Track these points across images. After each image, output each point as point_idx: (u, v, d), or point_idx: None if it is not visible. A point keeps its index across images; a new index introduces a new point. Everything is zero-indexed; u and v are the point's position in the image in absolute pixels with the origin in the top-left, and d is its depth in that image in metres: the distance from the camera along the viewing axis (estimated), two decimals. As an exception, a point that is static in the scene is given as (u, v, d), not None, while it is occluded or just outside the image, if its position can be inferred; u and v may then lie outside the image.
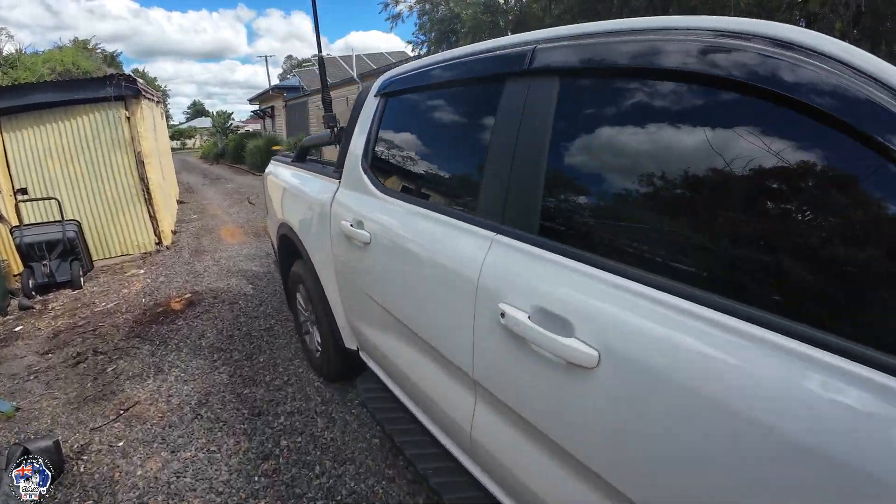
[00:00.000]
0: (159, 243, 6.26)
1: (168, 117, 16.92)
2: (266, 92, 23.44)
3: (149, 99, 7.07)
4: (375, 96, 1.95)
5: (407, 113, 1.81)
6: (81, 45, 21.26)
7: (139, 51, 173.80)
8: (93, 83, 5.57)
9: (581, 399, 0.98)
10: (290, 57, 64.75)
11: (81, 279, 4.84)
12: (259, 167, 17.36)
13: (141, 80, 6.24)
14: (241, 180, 15.05)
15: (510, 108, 1.25)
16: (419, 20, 7.28)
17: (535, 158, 1.15)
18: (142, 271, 5.31)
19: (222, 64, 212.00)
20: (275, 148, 16.99)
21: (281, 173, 3.08)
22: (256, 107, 26.33)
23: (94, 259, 5.51)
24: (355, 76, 12.51)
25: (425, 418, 1.71)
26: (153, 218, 6.17)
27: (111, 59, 27.65)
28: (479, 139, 1.38)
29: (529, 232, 1.15)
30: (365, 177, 1.87)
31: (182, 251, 6.16)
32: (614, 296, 0.94)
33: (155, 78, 41.35)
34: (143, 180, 5.97)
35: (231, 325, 3.72)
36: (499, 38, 1.39)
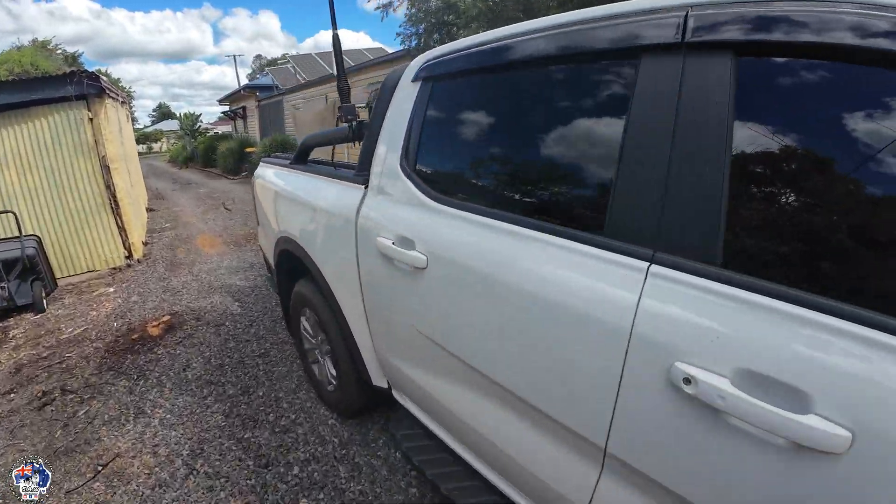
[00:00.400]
0: (129, 257, 5.78)
1: (133, 120, 16.27)
2: (237, 92, 22.74)
3: (113, 98, 6.58)
4: (414, 81, 1.61)
5: (470, 100, 1.47)
6: (41, 46, 20.40)
7: (102, 52, 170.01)
8: (51, 82, 5.07)
9: (812, 493, 0.70)
10: (259, 56, 63.85)
11: (44, 301, 4.36)
12: (232, 170, 16.86)
13: (104, 78, 5.76)
14: (214, 185, 14.47)
15: (654, 92, 0.94)
16: (408, 10, 6.93)
17: (711, 160, 0.84)
18: (111, 290, 4.85)
19: (188, 65, 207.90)
20: (248, 150, 16.50)
21: (277, 178, 2.72)
22: (227, 107, 25.52)
23: (57, 277, 5.01)
24: (335, 73, 12.06)
25: (506, 485, 1.39)
26: (122, 229, 5.69)
27: (72, 59, 26.64)
28: (599, 133, 1.07)
29: (709, 262, 0.84)
30: (408, 182, 1.54)
31: (156, 265, 5.69)
32: (873, 356, 0.65)
33: (119, 79, 39.96)
34: (110, 188, 5.50)
35: (220, 352, 3.32)
36: (616, 3, 1.07)
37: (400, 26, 7.28)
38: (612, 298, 0.95)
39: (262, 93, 20.07)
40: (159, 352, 3.36)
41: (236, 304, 4.28)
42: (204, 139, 21.91)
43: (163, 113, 62.40)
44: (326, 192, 2.01)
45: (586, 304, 0.99)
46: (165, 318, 3.94)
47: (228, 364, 3.15)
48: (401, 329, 1.64)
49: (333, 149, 2.38)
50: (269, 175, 2.88)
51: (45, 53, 18.22)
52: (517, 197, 1.30)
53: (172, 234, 7.39)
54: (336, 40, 2.00)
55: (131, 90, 44.63)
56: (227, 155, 16.99)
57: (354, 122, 1.98)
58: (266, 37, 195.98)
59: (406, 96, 1.64)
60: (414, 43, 7.05)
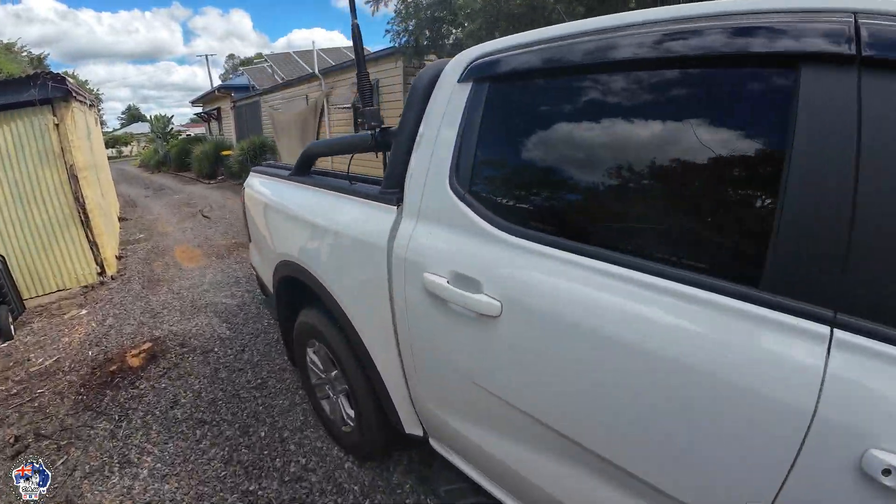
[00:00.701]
0: (102, 273, 5.42)
1: (102, 123, 15.73)
2: (211, 92, 22.12)
3: (81, 102, 6.20)
4: (463, 81, 1.38)
5: (548, 106, 1.22)
6: (4, 49, 19.61)
7: (69, 54, 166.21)
8: (13, 85, 4.70)
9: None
10: (231, 56, 62.80)
11: (12, 327, 4.00)
12: (208, 174, 16.43)
13: (71, 80, 5.39)
14: (190, 190, 14.01)
15: (824, 110, 0.75)
16: (397, 6, 6.65)
17: None
18: (84, 311, 4.50)
19: (158, 66, 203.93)
20: (225, 153, 16.07)
21: (275, 191, 2.46)
22: (200, 109, 24.86)
23: (25, 298, 4.65)
24: (317, 71, 11.73)
25: None
26: (93, 244, 5.33)
27: (38, 62, 25.68)
28: (744, 155, 0.87)
29: None
30: (462, 206, 1.30)
31: (131, 282, 5.34)
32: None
33: (86, 81, 38.70)
34: (79, 199, 5.13)
35: (211, 385, 3.04)
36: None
37: (389, 23, 7.01)
38: (783, 371, 0.76)
39: (237, 93, 19.55)
40: (142, 386, 3.06)
41: (224, 325, 3.99)
42: (177, 142, 21.47)
43: (132, 115, 60.85)
44: (345, 213, 1.76)
45: (740, 376, 0.79)
46: (146, 346, 3.63)
47: (222, 398, 2.88)
48: (454, 381, 1.40)
49: (351, 159, 2.13)
50: (264, 187, 2.61)
51: (10, 56, 17.51)
52: (632, 233, 1.06)
53: (148, 246, 7.01)
54: (356, 31, 1.74)
55: (99, 92, 43.37)
56: (201, 158, 16.61)
57: (378, 129, 1.73)
58: (238, 36, 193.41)
59: (451, 100, 1.40)
60: (404, 40, 6.80)
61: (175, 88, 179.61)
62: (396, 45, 7.05)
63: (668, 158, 0.97)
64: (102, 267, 5.43)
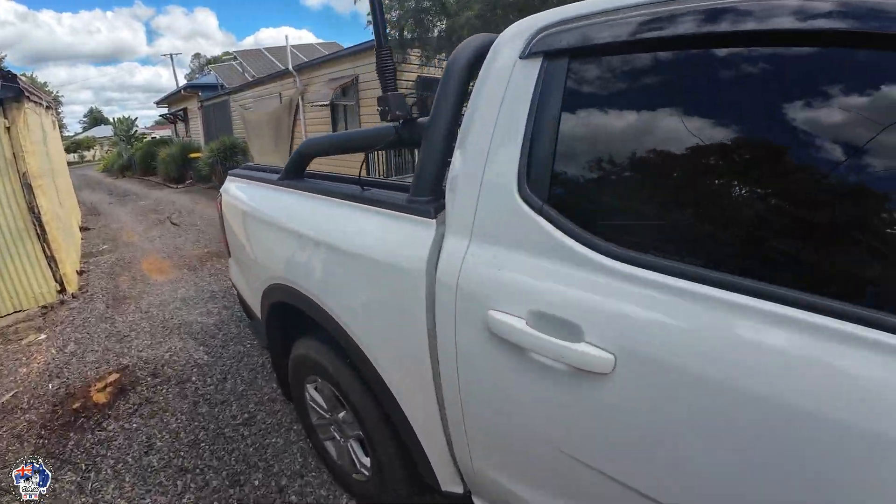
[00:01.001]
0: (63, 291, 4.98)
1: (62, 127, 15.00)
2: (177, 92, 21.36)
3: (36, 103, 5.74)
4: (526, 58, 1.09)
5: (673, 88, 0.92)
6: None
7: (29, 56, 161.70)
8: (-48, 83, 4.26)
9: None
10: (197, 55, 61.54)
11: (-47, 358, 3.59)
12: (176, 178, 15.87)
13: (23, 78, 4.95)
14: (157, 195, 13.43)
15: None
16: (381, -5, 6.35)
17: None
18: (43, 336, 4.08)
19: (120, 67, 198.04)
20: (193, 156, 15.51)
21: (260, 199, 2.13)
22: (165, 110, 24.05)
23: (-30, 324, 4.22)
24: (291, 68, 11.29)
25: None
26: (51, 259, 4.89)
27: (-4, 65, 24.58)
28: None
29: None
30: (540, 221, 1.01)
31: (94, 300, 4.92)
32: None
33: (46, 83, 37.26)
34: (34, 210, 4.69)
35: (190, 423, 2.70)
36: None
37: (368, 14, 6.67)
38: None
39: (204, 92, 18.91)
40: (110, 427, 2.70)
41: (201, 349, 3.63)
42: (141, 145, 20.87)
43: (95, 118, 59.06)
44: (359, 226, 1.46)
45: None
46: (113, 377, 3.25)
47: (204, 439, 2.54)
48: (526, 446, 1.12)
49: (365, 158, 1.82)
50: (246, 193, 2.29)
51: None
52: (813, 262, 0.78)
53: (112, 259, 6.55)
54: (376, 3, 1.45)
55: (59, 95, 41.87)
56: (168, 162, 16.12)
57: (403, 121, 1.43)
58: (203, 35, 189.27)
59: (511, 83, 1.10)
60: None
61: (139, 90, 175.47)
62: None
63: (861, 159, 0.70)
64: (62, 284, 4.99)
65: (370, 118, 9.23)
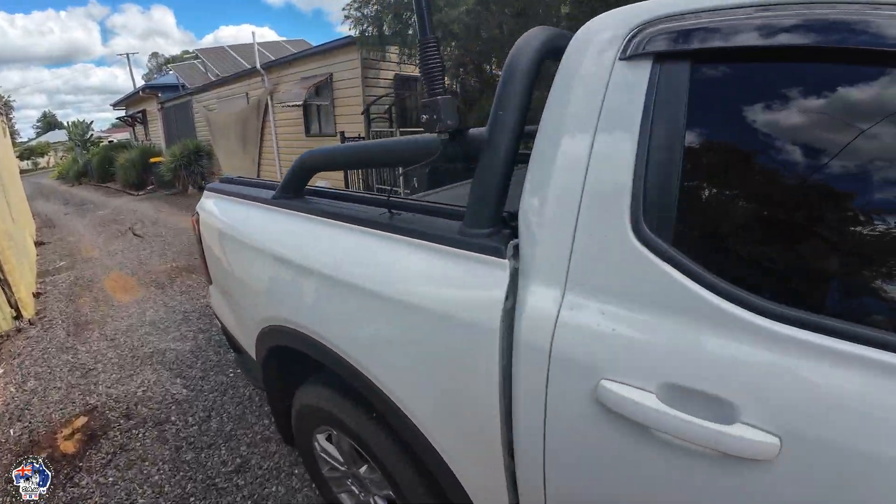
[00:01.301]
0: (19, 317, 4.58)
1: (14, 133, 14.32)
2: (135, 93, 20.51)
3: (-23, 108, 5.29)
4: (630, 59, 0.87)
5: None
6: None
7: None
8: None
9: None
10: (155, 54, 59.87)
11: None
12: (136, 185, 15.30)
13: (-38, 82, 4.53)
14: (116, 204, 12.84)
15: None
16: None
17: None
18: (0, 371, 3.71)
19: (74, 68, 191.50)
20: (154, 160, 14.91)
21: (249, 222, 1.84)
22: (122, 112, 23.11)
23: None
24: (259, 66, 10.85)
25: None
26: (3, 281, 4.49)
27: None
28: None
29: None
30: (667, 269, 0.79)
31: (54, 327, 4.52)
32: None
33: (-7, 87, 35.86)
34: (-19, 228, 4.30)
35: (175, 473, 2.40)
36: None
37: (345, 7, 6.37)
38: None
39: (165, 93, 18.20)
40: (83, 483, 2.37)
41: (178, 381, 3.32)
42: (98, 150, 20.16)
43: (49, 123, 56.95)
44: (400, 266, 1.20)
45: None
46: (81, 421, 2.91)
47: (193, 492, 2.26)
48: None
49: (400, 176, 1.53)
50: (231, 214, 2.00)
51: None
52: None
53: (71, 277, 6.11)
54: None
55: (10, 99, 40.07)
56: (127, 167, 15.60)
57: (450, 132, 1.16)
58: (161, 34, 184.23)
59: (607, 91, 0.89)
60: (366, 28, 6.20)
61: (94, 92, 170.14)
62: (357, 33, 6.44)
63: None
64: (18, 309, 4.59)
65: (347, 119, 8.91)
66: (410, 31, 6.41)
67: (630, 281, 0.85)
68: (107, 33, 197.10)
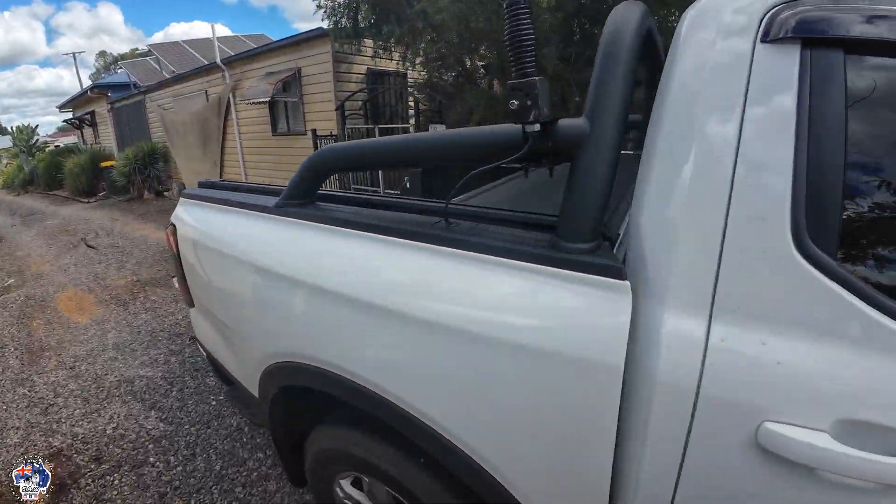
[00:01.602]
0: (-38, 346, 4.16)
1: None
2: (83, 94, 19.46)
3: None
4: (774, 42, 0.72)
5: None
6: None
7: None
8: None
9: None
10: (103, 53, 57.70)
11: None
12: (86, 191, 14.60)
13: None
14: (66, 212, 12.14)
15: None
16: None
17: None
18: (-59, 411, 3.30)
19: (18, 71, 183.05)
20: (105, 164, 14.22)
21: (250, 237, 1.54)
22: (69, 114, 22.04)
23: None
24: (219, 61, 10.36)
25: None
26: (-57, 307, 4.07)
27: None
28: None
29: None
30: (841, 292, 0.70)
31: (6, 356, 4.10)
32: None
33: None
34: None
35: (161, 525, 2.13)
36: None
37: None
38: None
39: (115, 93, 17.35)
40: (50, 547, 2.08)
41: (153, 414, 3.00)
42: (44, 156, 19.21)
43: (-9, 129, 54.31)
44: (476, 293, 0.97)
45: None
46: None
47: (184, 551, 1.99)
48: None
49: (467, 177, 1.21)
50: (220, 226, 1.72)
51: None
52: None
53: (21, 297, 5.63)
54: None
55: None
56: (77, 173, 14.92)
57: (542, 123, 0.91)
58: (108, 32, 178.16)
59: (750, 79, 0.74)
60: (340, 19, 5.89)
61: (39, 94, 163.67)
62: (330, 24, 6.14)
63: None
64: (-41, 337, 4.17)
65: (318, 116, 8.57)
66: (385, 26, 6.15)
67: (796, 305, 0.73)
68: (52, 33, 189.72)
